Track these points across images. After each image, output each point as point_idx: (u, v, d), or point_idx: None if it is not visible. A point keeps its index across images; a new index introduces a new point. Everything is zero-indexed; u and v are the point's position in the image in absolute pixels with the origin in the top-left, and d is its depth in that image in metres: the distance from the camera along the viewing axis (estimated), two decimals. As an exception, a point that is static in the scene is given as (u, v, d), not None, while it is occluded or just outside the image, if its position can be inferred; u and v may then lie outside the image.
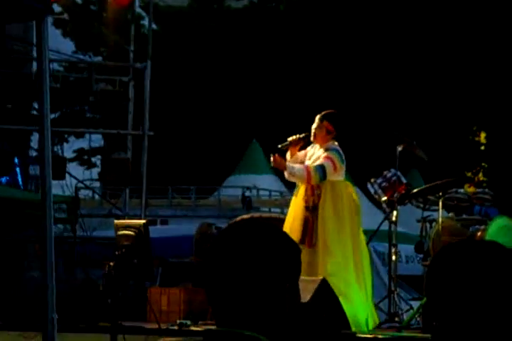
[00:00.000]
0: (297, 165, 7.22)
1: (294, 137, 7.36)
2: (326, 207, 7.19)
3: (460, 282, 1.82)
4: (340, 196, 7.26)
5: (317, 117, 7.40)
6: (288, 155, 7.38)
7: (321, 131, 7.31)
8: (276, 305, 1.95)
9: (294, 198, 7.41)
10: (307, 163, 7.34)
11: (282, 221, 7.47)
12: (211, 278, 1.97)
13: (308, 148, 7.46)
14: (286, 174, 7.26)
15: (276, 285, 1.95)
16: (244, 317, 1.94)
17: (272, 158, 7.28)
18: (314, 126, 7.36)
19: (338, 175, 7.30)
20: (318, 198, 7.20)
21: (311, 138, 7.36)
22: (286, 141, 7.40)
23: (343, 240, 7.20)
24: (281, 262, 1.97)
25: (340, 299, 6.75)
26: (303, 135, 7.35)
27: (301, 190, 7.29)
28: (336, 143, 7.39)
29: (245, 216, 9.36)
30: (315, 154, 7.36)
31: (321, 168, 7.15)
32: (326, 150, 7.28)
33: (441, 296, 1.83)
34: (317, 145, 7.39)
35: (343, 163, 7.30)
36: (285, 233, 2.04)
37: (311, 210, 7.18)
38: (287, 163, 7.21)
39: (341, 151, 7.32)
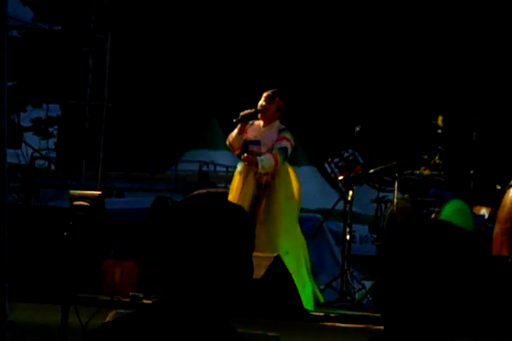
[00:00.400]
0: (263, 157, 7.20)
1: (246, 111, 7.33)
2: (280, 186, 7.23)
3: (412, 261, 1.83)
4: (290, 176, 7.33)
5: (266, 93, 7.34)
6: (237, 129, 7.32)
7: (271, 107, 7.27)
8: (230, 278, 1.95)
9: (237, 175, 7.36)
10: (256, 140, 7.29)
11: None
12: (164, 252, 1.96)
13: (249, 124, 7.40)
14: (259, 168, 7.21)
15: (229, 258, 1.95)
16: (196, 291, 1.93)
17: (243, 158, 7.26)
18: (263, 103, 7.30)
19: None
20: (271, 177, 7.22)
21: (258, 115, 7.31)
22: (239, 115, 7.37)
23: (293, 219, 7.26)
24: (235, 235, 1.96)
25: (293, 277, 6.79)
26: (253, 110, 7.31)
27: (252, 170, 7.26)
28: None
29: (202, 190, 9.33)
30: (265, 134, 7.30)
31: (284, 150, 7.20)
32: (281, 131, 7.28)
33: (393, 275, 1.84)
34: (259, 122, 7.34)
35: None
36: (240, 206, 2.04)
37: (263, 188, 7.21)
38: (257, 158, 7.18)
39: None
